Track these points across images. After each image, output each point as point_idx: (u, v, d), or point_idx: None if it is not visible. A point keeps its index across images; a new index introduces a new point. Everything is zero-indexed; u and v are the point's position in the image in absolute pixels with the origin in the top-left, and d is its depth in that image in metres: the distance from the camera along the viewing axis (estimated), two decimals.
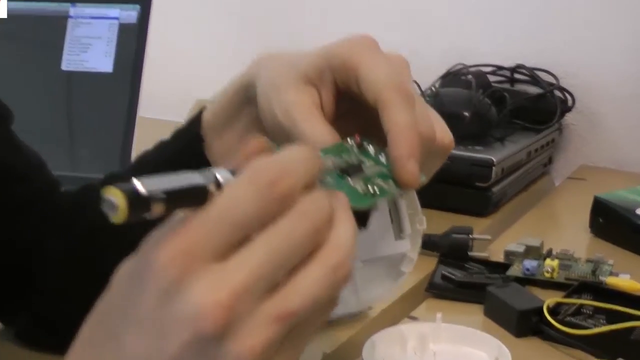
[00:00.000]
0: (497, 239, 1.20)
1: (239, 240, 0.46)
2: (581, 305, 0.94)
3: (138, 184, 0.44)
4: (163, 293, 0.45)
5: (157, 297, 0.45)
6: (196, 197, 0.47)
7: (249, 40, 1.85)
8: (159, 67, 1.51)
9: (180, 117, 1.58)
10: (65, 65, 1.43)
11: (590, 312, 0.93)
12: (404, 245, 0.68)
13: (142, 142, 1.36)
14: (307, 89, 0.64)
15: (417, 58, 1.60)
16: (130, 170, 0.84)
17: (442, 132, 0.67)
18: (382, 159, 0.60)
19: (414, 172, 0.58)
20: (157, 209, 0.45)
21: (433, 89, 1.48)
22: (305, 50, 0.67)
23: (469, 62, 1.58)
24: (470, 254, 1.12)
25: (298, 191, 0.48)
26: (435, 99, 1.40)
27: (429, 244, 1.12)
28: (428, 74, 1.54)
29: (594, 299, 0.96)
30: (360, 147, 0.61)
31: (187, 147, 0.77)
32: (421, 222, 0.68)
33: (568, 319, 0.91)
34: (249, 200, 0.46)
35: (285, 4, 1.84)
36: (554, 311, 0.92)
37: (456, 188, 1.32)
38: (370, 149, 0.61)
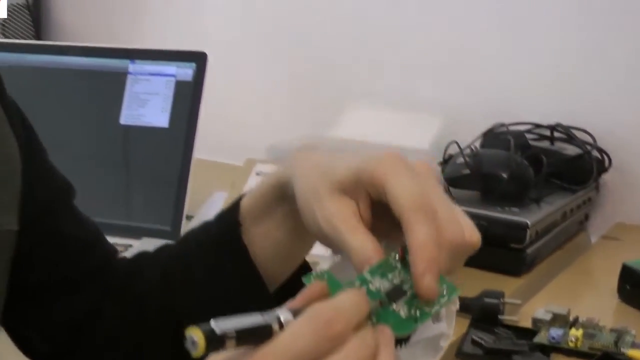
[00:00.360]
0: (529, 301, 1.25)
1: None
2: None
3: (215, 325, 0.53)
4: None
5: None
6: (262, 335, 0.55)
7: (299, 96, 1.96)
8: (214, 119, 1.60)
9: (232, 160, 1.71)
10: (123, 120, 1.52)
11: None
12: (441, 327, 0.74)
13: (196, 182, 1.47)
14: (345, 198, 0.70)
15: (458, 114, 1.70)
16: (181, 244, 0.92)
17: (470, 232, 0.72)
18: None
19: (430, 286, 0.64)
20: (230, 346, 0.54)
21: (473, 148, 1.53)
22: (337, 155, 0.74)
23: (509, 119, 1.64)
24: (500, 317, 1.17)
25: (349, 331, 0.56)
26: (474, 159, 1.46)
27: (461, 306, 1.16)
28: (469, 131, 1.61)
29: None
30: (403, 260, 0.67)
31: (226, 231, 0.84)
32: (455, 303, 0.74)
33: None
34: (307, 338, 0.55)
35: (334, 60, 1.92)
36: None
37: (491, 248, 1.37)
38: None
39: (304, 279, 0.64)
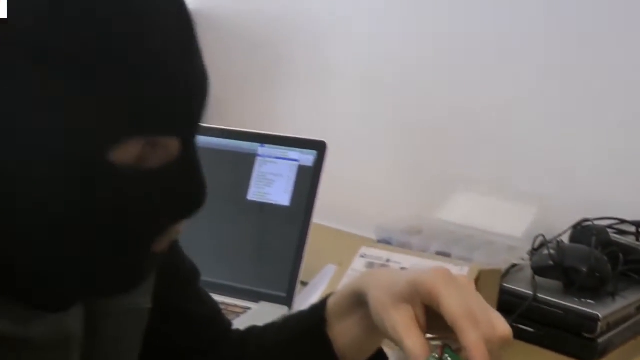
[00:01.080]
0: None
1: None
2: None
3: None
4: None
5: None
6: None
7: (407, 179, 2.18)
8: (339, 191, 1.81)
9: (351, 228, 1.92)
10: (250, 196, 1.72)
11: None
12: None
13: (315, 247, 1.67)
14: (405, 306, 0.90)
15: (551, 206, 1.86)
16: (280, 329, 1.11)
17: (502, 327, 0.89)
18: None
19: None
20: None
21: (559, 240, 1.69)
22: (399, 272, 0.94)
23: (598, 214, 1.79)
24: None
25: None
26: (558, 252, 1.61)
27: None
28: (560, 222, 1.78)
29: None
30: (442, 356, 0.87)
31: (315, 325, 1.04)
32: None
33: None
34: None
35: (440, 149, 2.12)
36: None
37: (567, 335, 1.54)
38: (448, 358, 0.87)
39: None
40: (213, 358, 1.12)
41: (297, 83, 2.40)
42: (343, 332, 1.02)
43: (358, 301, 0.97)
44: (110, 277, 0.82)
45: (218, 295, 1.30)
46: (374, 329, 0.96)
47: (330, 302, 1.03)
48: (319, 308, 1.05)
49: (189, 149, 0.79)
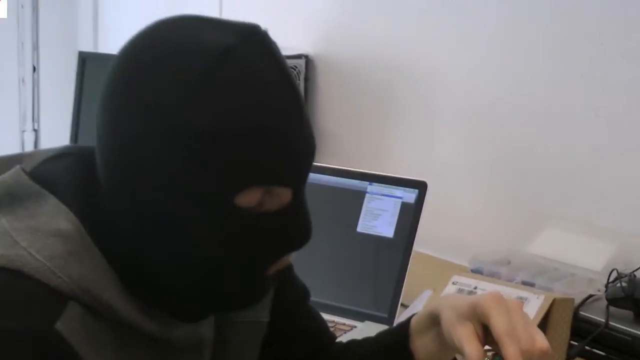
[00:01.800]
0: None
1: None
2: None
3: None
4: None
5: None
6: None
7: (503, 215, 2.41)
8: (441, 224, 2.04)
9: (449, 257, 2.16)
10: (360, 228, 1.97)
11: None
12: None
13: (415, 273, 1.89)
14: (467, 323, 1.12)
15: (627, 243, 2.03)
16: (372, 343, 1.34)
17: (540, 342, 1.09)
18: None
19: None
20: None
21: (631, 274, 1.87)
22: (466, 297, 1.15)
23: None
24: None
25: None
26: (629, 285, 1.80)
27: None
28: (635, 259, 1.98)
29: None
30: None
31: (401, 339, 1.26)
32: None
33: None
34: None
35: (534, 188, 2.34)
36: None
37: (633, 359, 1.74)
38: None
39: None
40: None
41: (404, 125, 2.64)
42: (422, 346, 1.25)
43: (434, 321, 1.20)
44: (236, 296, 1.07)
45: (329, 315, 1.53)
46: (445, 344, 1.18)
47: (413, 321, 1.26)
48: (404, 326, 1.28)
49: (298, 196, 1.03)
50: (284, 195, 1.01)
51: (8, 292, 0.97)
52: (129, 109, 0.97)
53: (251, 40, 0.98)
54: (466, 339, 1.11)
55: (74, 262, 1.00)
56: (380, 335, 1.35)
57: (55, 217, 1.02)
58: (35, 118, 3.85)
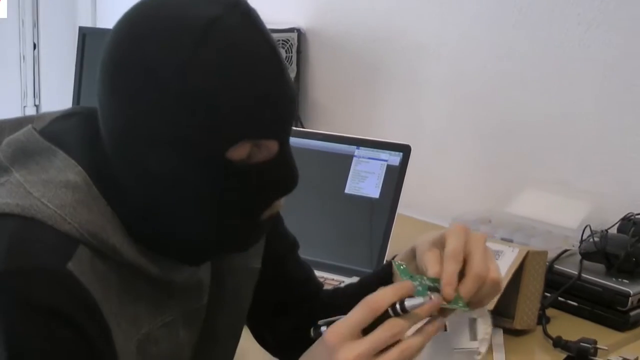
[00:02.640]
0: (621, 349, 1.71)
1: (359, 334, 1.07)
2: None
3: (324, 327, 1.09)
4: (327, 353, 1.07)
5: (326, 354, 1.08)
6: None
7: (483, 178, 2.52)
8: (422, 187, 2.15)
9: (432, 219, 2.27)
10: (347, 190, 2.07)
11: None
12: (476, 344, 1.24)
13: (399, 235, 2.00)
14: (435, 249, 1.21)
15: (601, 203, 2.15)
16: (360, 279, 1.47)
17: (494, 273, 1.19)
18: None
19: (447, 292, 1.14)
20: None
21: (603, 231, 1.99)
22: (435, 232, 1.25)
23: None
24: (590, 357, 1.65)
25: (389, 303, 1.08)
26: (601, 240, 1.92)
27: (563, 346, 1.69)
28: (610, 217, 2.09)
29: None
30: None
31: (384, 277, 1.38)
32: (487, 332, 1.24)
33: None
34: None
35: (517, 150, 2.45)
36: None
37: (603, 309, 1.86)
38: None
39: (393, 262, 1.22)
40: (306, 309, 1.47)
41: (392, 93, 2.75)
42: None
43: (413, 255, 1.29)
44: (233, 240, 1.19)
45: (319, 271, 1.61)
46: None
47: (397, 257, 1.37)
48: (388, 265, 1.39)
49: (284, 147, 1.14)
50: (271, 147, 1.12)
51: (24, 237, 1.08)
52: (127, 76, 1.08)
53: (235, 10, 1.08)
54: (430, 262, 1.19)
55: (83, 209, 1.11)
56: (365, 277, 1.46)
57: (64, 170, 1.13)
58: (36, 94, 3.94)
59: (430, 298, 1.11)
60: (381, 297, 1.10)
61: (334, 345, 1.08)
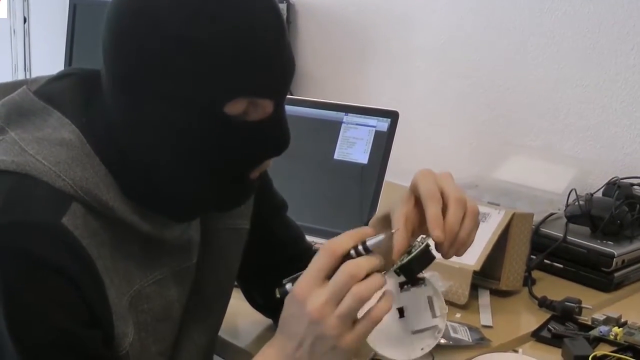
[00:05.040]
0: (605, 309, 1.74)
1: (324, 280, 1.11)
2: (619, 359, 1.50)
3: (289, 285, 1.12)
4: (298, 307, 1.10)
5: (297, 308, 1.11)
6: None
7: (468, 143, 2.55)
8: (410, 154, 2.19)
9: None
10: (336, 156, 2.10)
11: None
12: (437, 321, 1.25)
13: (387, 201, 2.00)
14: (401, 209, 1.23)
15: (587, 168, 2.18)
16: None
17: (471, 203, 1.22)
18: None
19: (437, 234, 1.18)
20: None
21: (588, 194, 2.02)
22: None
23: (630, 173, 2.12)
24: (575, 316, 1.68)
25: (349, 245, 1.13)
26: (586, 203, 1.95)
27: (547, 305, 1.72)
28: (595, 182, 2.13)
29: (633, 357, 1.51)
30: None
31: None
32: (444, 308, 1.25)
33: None
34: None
35: (505, 118, 2.48)
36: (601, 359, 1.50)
37: (588, 270, 1.89)
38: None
39: None
40: (294, 270, 1.48)
41: (380, 62, 2.77)
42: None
43: (387, 219, 1.29)
44: (223, 196, 1.22)
45: (309, 236, 1.64)
46: None
47: (370, 222, 1.39)
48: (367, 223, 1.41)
49: (278, 108, 1.18)
50: (266, 106, 1.16)
51: (19, 192, 1.11)
52: (134, 22, 1.11)
53: None
54: (397, 221, 1.23)
55: (77, 167, 1.14)
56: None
57: (59, 129, 1.16)
58: (27, 67, 3.94)
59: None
60: (340, 240, 1.15)
61: (303, 298, 1.12)
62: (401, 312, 1.24)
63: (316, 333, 1.13)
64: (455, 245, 1.21)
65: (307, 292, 1.13)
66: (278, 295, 1.18)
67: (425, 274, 1.24)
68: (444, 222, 1.19)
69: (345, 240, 1.15)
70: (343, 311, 1.11)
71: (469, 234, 1.21)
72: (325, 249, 1.14)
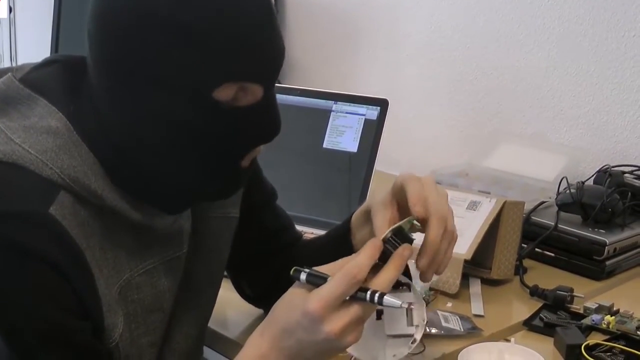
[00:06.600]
0: (596, 297, 1.74)
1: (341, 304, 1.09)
2: (612, 347, 1.50)
3: (304, 274, 1.10)
4: (312, 323, 1.09)
5: (309, 323, 1.09)
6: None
7: (461, 131, 2.54)
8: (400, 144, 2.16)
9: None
10: (325, 144, 2.08)
11: (618, 354, 1.48)
12: (412, 330, 1.23)
13: (376, 189, 1.98)
14: (383, 211, 1.23)
15: (578, 156, 2.17)
16: (321, 238, 1.50)
17: (450, 220, 1.21)
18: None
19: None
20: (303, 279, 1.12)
21: (579, 182, 2.01)
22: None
23: (622, 161, 2.12)
24: (567, 305, 1.67)
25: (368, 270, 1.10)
26: (578, 192, 1.94)
27: (540, 294, 1.71)
28: (586, 170, 2.12)
29: (625, 346, 1.51)
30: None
31: (343, 234, 1.39)
32: (423, 318, 1.23)
33: (599, 354, 1.48)
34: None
35: (495, 106, 2.46)
36: (593, 348, 1.48)
37: (580, 258, 1.88)
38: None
39: None
40: (284, 258, 1.48)
41: (370, 51, 2.76)
42: (360, 240, 1.35)
43: (368, 216, 1.29)
44: (213, 185, 1.20)
45: (298, 225, 1.63)
46: None
47: (354, 217, 1.38)
48: (347, 221, 1.39)
49: (268, 94, 1.16)
50: (256, 91, 1.14)
51: (6, 181, 1.09)
52: (121, 7, 1.09)
53: None
54: (378, 228, 1.22)
55: (64, 155, 1.12)
56: (330, 230, 1.48)
57: (45, 116, 1.14)
58: (12, 57, 3.92)
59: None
60: (360, 267, 1.10)
61: (321, 317, 1.09)
62: (379, 314, 1.23)
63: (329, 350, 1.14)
64: (433, 266, 1.21)
65: (326, 312, 1.10)
66: (291, 274, 1.14)
67: (414, 282, 1.24)
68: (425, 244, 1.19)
69: (364, 265, 1.11)
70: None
71: (445, 253, 1.22)
72: (347, 275, 1.10)
